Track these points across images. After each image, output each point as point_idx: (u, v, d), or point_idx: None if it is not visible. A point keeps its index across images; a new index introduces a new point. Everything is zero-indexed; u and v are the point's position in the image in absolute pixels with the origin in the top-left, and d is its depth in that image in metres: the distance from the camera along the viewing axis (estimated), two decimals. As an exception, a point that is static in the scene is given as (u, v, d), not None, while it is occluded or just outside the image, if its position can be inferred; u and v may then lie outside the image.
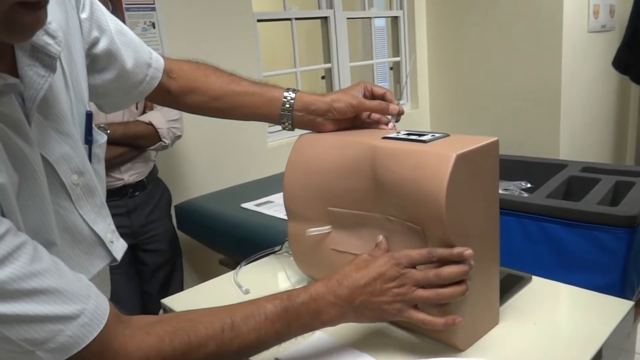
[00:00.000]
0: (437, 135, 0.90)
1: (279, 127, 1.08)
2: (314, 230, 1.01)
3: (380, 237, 0.90)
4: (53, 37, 0.72)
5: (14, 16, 0.57)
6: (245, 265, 1.27)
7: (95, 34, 0.90)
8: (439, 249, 0.80)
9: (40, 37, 0.70)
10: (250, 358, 0.80)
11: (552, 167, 1.96)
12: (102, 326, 0.66)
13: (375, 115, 1.07)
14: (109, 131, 1.85)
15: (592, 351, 0.85)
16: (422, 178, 0.80)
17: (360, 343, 0.91)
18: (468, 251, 0.79)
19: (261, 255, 1.30)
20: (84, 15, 0.87)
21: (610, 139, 4.11)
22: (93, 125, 0.86)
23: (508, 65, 3.57)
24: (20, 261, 0.60)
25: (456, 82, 3.92)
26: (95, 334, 0.65)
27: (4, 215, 0.62)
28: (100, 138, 0.89)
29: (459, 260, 0.79)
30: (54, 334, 0.61)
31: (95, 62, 0.92)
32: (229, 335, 0.73)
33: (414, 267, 0.81)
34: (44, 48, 0.70)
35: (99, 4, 0.92)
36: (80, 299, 0.65)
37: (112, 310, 0.69)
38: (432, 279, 0.79)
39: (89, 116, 0.85)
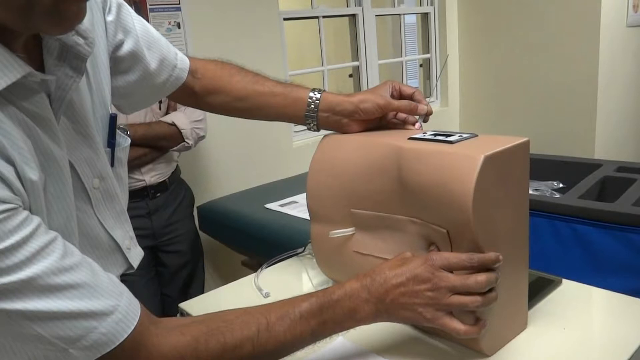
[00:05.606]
0: (464, 135, 0.88)
1: (305, 127, 1.06)
2: (337, 232, 0.99)
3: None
4: (84, 37, 0.71)
5: (62, 5, 0.57)
6: (266, 267, 1.25)
7: (120, 36, 0.89)
8: (478, 254, 0.76)
9: (71, 37, 0.69)
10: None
11: (586, 167, 1.92)
12: (135, 323, 0.65)
13: (401, 115, 1.05)
14: (128, 132, 1.83)
15: (625, 357, 0.82)
16: (448, 180, 0.78)
17: (382, 348, 0.89)
18: (499, 256, 0.77)
19: (283, 257, 1.29)
20: (110, 18, 0.86)
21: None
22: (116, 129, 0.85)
23: (542, 61, 3.49)
24: (53, 257, 0.59)
25: (487, 80, 3.85)
26: (129, 331, 0.64)
27: (32, 213, 0.62)
28: (123, 141, 0.88)
29: (495, 266, 0.76)
30: (88, 331, 0.61)
31: (119, 64, 0.91)
32: (265, 335, 0.73)
33: (450, 272, 0.77)
34: (74, 48, 0.70)
35: (126, 5, 0.90)
36: (112, 295, 0.64)
37: (143, 309, 0.68)
38: (472, 286, 0.75)
39: (113, 119, 0.85)
